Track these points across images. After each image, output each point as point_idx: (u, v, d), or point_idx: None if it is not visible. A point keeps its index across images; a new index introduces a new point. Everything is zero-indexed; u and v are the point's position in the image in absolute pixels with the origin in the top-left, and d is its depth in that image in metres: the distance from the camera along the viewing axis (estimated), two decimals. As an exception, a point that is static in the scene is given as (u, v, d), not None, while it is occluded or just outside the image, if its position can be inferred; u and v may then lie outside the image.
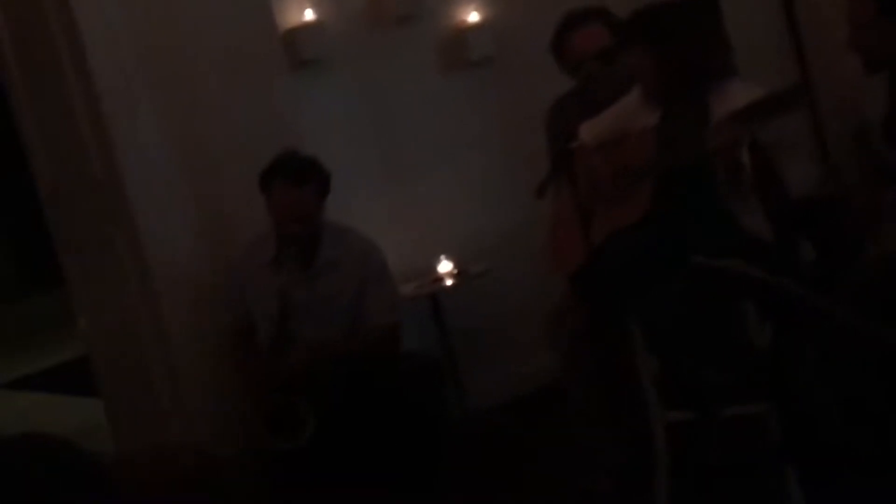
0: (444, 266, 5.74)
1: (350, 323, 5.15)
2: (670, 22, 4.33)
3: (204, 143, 5.46)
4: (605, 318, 4.49)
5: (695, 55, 4.30)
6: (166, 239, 5.37)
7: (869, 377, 3.73)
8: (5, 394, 9.82)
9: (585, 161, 4.51)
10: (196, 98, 5.45)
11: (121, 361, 5.77)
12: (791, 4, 6.54)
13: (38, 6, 5.40)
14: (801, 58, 6.48)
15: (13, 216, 11.80)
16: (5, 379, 10.19)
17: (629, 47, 4.44)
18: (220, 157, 5.48)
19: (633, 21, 4.47)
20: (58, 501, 2.07)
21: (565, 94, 5.16)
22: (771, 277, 3.60)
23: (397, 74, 5.98)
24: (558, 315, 4.76)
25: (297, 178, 5.05)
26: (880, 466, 3.82)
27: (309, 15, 5.73)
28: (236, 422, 5.17)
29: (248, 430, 4.99)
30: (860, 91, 4.40)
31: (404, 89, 5.99)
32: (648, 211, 4.30)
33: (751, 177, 4.12)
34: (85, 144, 5.44)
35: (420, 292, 5.72)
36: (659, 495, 4.27)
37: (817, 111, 6.37)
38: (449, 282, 5.72)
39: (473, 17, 6.08)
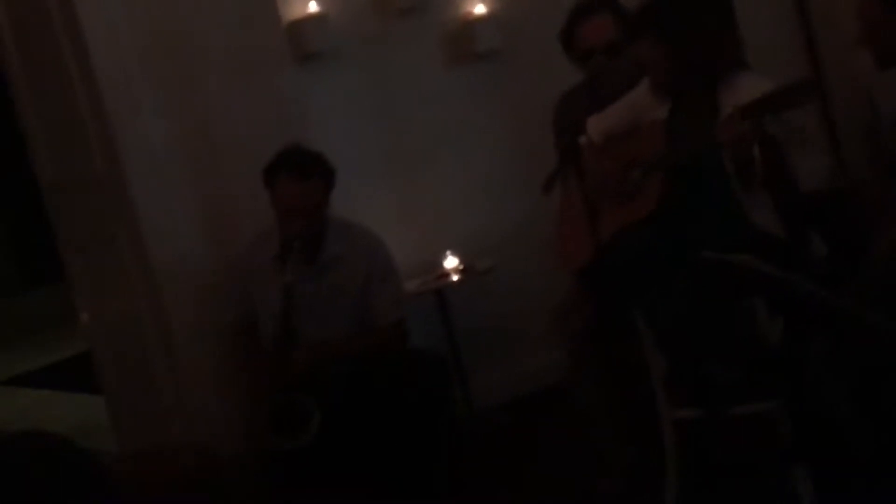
0: (450, 261, 5.73)
1: (355, 319, 5.14)
2: (681, 13, 4.32)
3: (207, 138, 5.46)
4: (613, 314, 4.48)
5: (705, 47, 4.29)
6: (169, 234, 5.37)
7: (881, 374, 3.72)
8: (6, 391, 9.82)
9: (593, 155, 4.50)
10: (199, 92, 5.45)
11: (122, 358, 5.78)
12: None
13: (41, 1, 5.40)
14: (812, 52, 6.47)
15: (14, 211, 11.81)
16: (6, 375, 10.20)
17: (639, 38, 4.43)
18: (223, 151, 5.48)
19: (643, 12, 4.46)
20: (56, 500, 2.07)
21: (573, 87, 5.16)
22: (781, 272, 3.59)
23: (403, 67, 5.97)
24: (564, 311, 4.75)
25: (301, 173, 5.04)
26: (893, 466, 3.81)
27: (313, 7, 5.71)
28: (239, 420, 5.17)
29: (251, 428, 4.99)
30: (872, 86, 4.39)
31: (410, 82, 5.98)
32: (657, 206, 4.29)
33: (761, 171, 4.11)
34: (87, 139, 5.44)
35: (426, 288, 5.71)
36: (668, 495, 4.26)
37: (829, 106, 6.36)
38: (455, 277, 5.71)
39: (479, 9, 6.06)
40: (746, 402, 4.11)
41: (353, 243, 5.17)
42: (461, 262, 5.73)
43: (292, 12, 5.70)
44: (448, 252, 5.74)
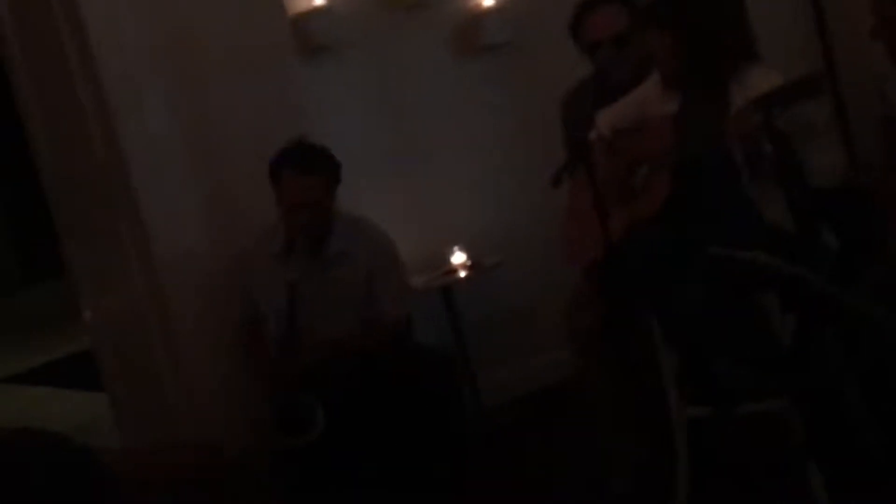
0: (458, 257, 5.72)
1: (360, 315, 5.14)
2: (692, 4, 4.31)
3: (211, 131, 5.47)
4: (622, 311, 4.48)
5: (716, 39, 4.28)
6: (172, 229, 5.38)
7: (890, 372, 3.71)
8: (7, 388, 9.84)
9: (603, 150, 4.50)
10: (202, 84, 5.46)
11: (125, 354, 5.79)
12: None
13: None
14: (826, 47, 6.47)
15: (14, 203, 11.82)
16: (7, 372, 10.22)
17: (650, 29, 4.42)
18: (227, 144, 5.49)
19: (653, 3, 4.46)
20: (55, 498, 2.07)
21: (582, 80, 5.15)
22: (792, 268, 3.58)
23: (410, 60, 5.97)
24: (573, 309, 4.75)
25: (306, 168, 5.04)
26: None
27: (319, -1, 5.72)
28: (243, 417, 5.17)
29: (255, 426, 4.99)
30: (885, 80, 4.38)
31: (417, 75, 5.98)
32: (667, 201, 4.29)
33: (772, 165, 4.10)
34: (89, 130, 5.44)
35: (432, 284, 5.70)
36: (679, 494, 4.26)
37: (842, 100, 6.35)
38: (462, 274, 5.70)
39: (487, 1, 6.05)
40: (758, 400, 4.10)
41: (359, 239, 5.17)
42: (468, 257, 5.72)
43: (297, 5, 5.69)
44: (455, 248, 5.73)
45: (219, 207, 5.48)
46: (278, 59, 5.62)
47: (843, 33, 6.40)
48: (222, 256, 5.40)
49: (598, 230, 4.21)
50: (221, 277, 5.37)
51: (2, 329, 11.48)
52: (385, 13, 5.90)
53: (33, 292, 11.82)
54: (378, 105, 5.90)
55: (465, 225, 5.94)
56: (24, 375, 10.03)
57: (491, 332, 5.94)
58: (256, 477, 4.92)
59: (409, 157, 5.95)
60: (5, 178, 11.39)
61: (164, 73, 5.38)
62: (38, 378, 9.77)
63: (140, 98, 5.34)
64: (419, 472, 4.95)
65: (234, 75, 5.49)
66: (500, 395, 5.86)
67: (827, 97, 6.03)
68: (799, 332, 3.97)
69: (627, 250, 4.24)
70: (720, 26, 4.30)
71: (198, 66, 5.44)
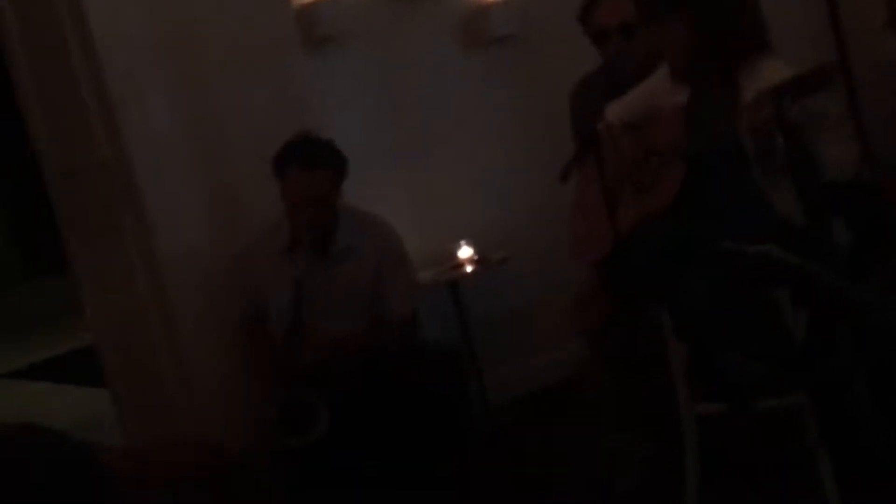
0: (465, 252, 5.71)
1: (366, 312, 5.14)
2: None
3: (215, 125, 5.46)
4: (631, 307, 4.47)
5: (727, 30, 4.27)
6: (176, 224, 5.38)
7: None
8: (8, 383, 9.86)
9: (612, 143, 4.49)
10: (206, 78, 5.45)
11: (127, 351, 5.79)
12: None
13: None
14: (839, 38, 6.46)
15: (15, 199, 11.84)
16: (9, 368, 10.24)
17: (659, 20, 4.41)
18: (231, 138, 5.48)
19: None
20: (53, 495, 2.08)
21: (590, 72, 5.15)
22: (804, 263, 3.58)
23: (416, 52, 5.96)
24: (581, 303, 4.74)
25: (311, 163, 5.03)
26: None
27: (323, -11, 5.71)
28: (245, 414, 5.17)
29: (258, 424, 4.99)
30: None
31: (423, 68, 5.97)
32: (678, 194, 4.28)
33: (784, 158, 4.09)
34: (92, 125, 5.44)
35: (439, 279, 5.69)
36: (689, 492, 4.25)
37: (855, 92, 6.34)
38: (469, 268, 5.70)
39: (494, -8, 6.06)
40: (770, 396, 4.10)
41: (365, 234, 5.16)
42: (476, 252, 5.72)
43: (302, -4, 5.69)
44: (462, 242, 5.72)
45: (223, 203, 5.47)
46: (282, 54, 5.61)
47: (856, 25, 6.39)
48: (225, 253, 5.40)
49: (606, 226, 4.21)
50: (224, 274, 5.37)
51: (3, 325, 11.50)
52: (391, 4, 5.90)
53: (35, 288, 11.85)
54: (383, 98, 5.89)
55: (472, 218, 5.94)
56: (25, 371, 10.06)
57: (499, 327, 5.94)
58: (259, 476, 4.92)
59: (415, 150, 5.95)
60: (6, 174, 11.41)
61: (166, 69, 5.38)
62: (39, 374, 9.79)
63: (143, 94, 5.34)
64: (422, 471, 4.94)
65: (238, 68, 5.48)
66: (508, 391, 5.86)
67: (840, 89, 6.02)
68: (811, 327, 3.97)
69: (636, 244, 4.23)
70: (731, 17, 4.29)
71: (201, 62, 5.43)
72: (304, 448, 4.79)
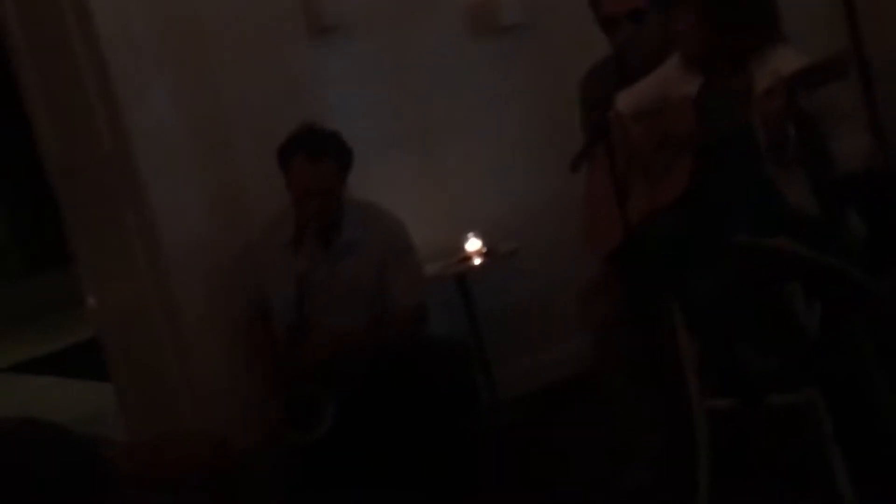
0: (473, 244, 5.70)
1: (372, 305, 5.12)
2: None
3: (219, 115, 5.46)
4: (642, 300, 4.46)
5: (740, 18, 4.26)
6: (179, 217, 5.38)
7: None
8: (11, 377, 9.87)
9: (623, 133, 4.48)
10: (210, 68, 5.44)
11: (130, 345, 5.79)
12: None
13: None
14: (853, 28, 6.44)
15: (18, 192, 11.85)
16: (11, 361, 10.26)
17: (671, 7, 4.40)
18: (235, 129, 5.48)
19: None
20: (54, 490, 2.07)
21: (600, 61, 5.13)
22: (817, 255, 3.57)
23: (424, 41, 5.94)
24: (591, 296, 4.73)
25: (316, 154, 5.02)
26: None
27: (330, -23, 5.69)
28: (251, 410, 5.17)
29: (264, 419, 4.98)
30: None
31: (431, 57, 5.95)
32: (689, 185, 4.27)
33: (797, 148, 4.08)
34: (94, 116, 5.44)
35: (447, 272, 5.68)
36: (701, 488, 4.24)
37: (870, 82, 6.33)
38: (477, 261, 5.69)
39: (504, -20, 6.04)
40: (785, 390, 4.09)
41: (371, 226, 5.15)
42: (484, 244, 5.70)
43: (309, -16, 5.67)
44: (470, 234, 5.71)
45: (227, 195, 5.47)
46: (287, 45, 5.60)
47: (871, 14, 6.37)
48: (228, 246, 5.39)
49: (617, 216, 4.20)
50: (229, 267, 5.36)
51: (6, 318, 11.52)
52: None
53: (38, 281, 11.86)
54: (390, 87, 5.88)
55: (480, 210, 5.93)
56: (28, 364, 10.08)
57: (507, 320, 5.92)
58: (264, 471, 4.92)
59: (423, 140, 5.93)
60: (9, 168, 11.42)
61: (170, 57, 5.37)
62: (42, 367, 9.81)
63: (145, 87, 5.33)
64: (434, 467, 4.94)
65: (242, 58, 5.47)
66: (517, 386, 5.85)
67: (854, 79, 6.01)
68: (825, 320, 3.96)
69: (648, 236, 4.22)
70: (744, 4, 4.28)
71: (204, 49, 5.42)
72: (309, 445, 4.78)
